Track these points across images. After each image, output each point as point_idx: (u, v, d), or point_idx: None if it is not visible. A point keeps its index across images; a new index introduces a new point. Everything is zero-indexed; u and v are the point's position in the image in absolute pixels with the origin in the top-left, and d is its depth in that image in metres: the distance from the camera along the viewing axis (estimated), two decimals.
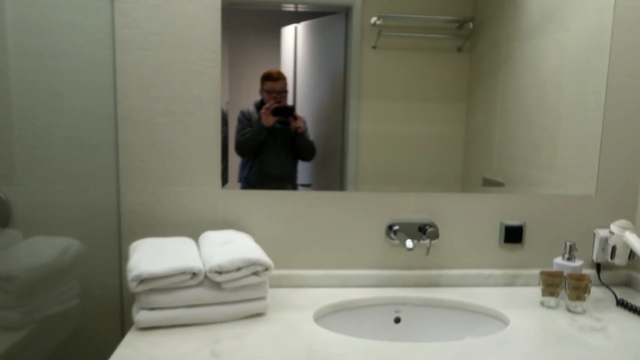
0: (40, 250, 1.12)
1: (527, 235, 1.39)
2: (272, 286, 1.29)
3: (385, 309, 1.29)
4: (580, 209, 1.40)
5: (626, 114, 1.37)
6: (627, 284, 1.42)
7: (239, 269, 1.09)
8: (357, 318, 1.26)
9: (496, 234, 1.39)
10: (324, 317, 1.20)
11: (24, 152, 1.18)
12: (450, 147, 1.38)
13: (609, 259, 1.35)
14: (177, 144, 1.28)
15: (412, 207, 1.35)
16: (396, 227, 1.34)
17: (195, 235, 1.26)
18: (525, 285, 1.39)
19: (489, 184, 1.40)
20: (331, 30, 1.33)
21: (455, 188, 1.38)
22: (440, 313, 1.28)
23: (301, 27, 1.33)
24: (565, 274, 1.24)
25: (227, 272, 1.08)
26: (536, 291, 1.34)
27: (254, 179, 1.34)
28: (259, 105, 1.32)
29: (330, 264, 1.35)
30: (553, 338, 1.07)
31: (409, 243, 1.22)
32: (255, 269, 1.11)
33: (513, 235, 1.39)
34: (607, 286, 1.38)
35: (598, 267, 1.40)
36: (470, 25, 1.35)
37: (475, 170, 1.40)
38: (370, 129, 1.35)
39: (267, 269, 1.12)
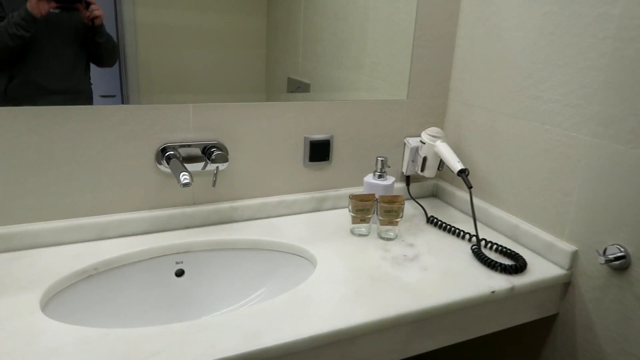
0: None
1: (334, 150, 1.17)
2: None
3: (163, 262, 0.96)
4: (391, 117, 1.21)
5: (440, 5, 1.17)
6: (434, 194, 1.33)
7: None
8: (120, 283, 0.92)
9: (299, 152, 1.13)
10: (62, 295, 0.83)
11: None
12: (251, 44, 1.03)
13: (419, 171, 1.21)
14: None
15: (191, 123, 1.00)
16: (170, 152, 0.98)
17: None
18: (333, 208, 1.19)
19: (294, 85, 1.10)
20: None
21: (258, 91, 1.05)
22: (235, 257, 1.01)
23: None
24: (377, 196, 1.05)
25: None
26: (345, 215, 1.15)
27: (19, 95, 0.83)
28: None
29: (77, 210, 0.95)
30: (366, 282, 0.88)
31: (184, 177, 0.88)
32: None
33: (319, 151, 1.14)
34: (416, 200, 1.26)
35: (407, 180, 1.26)
36: None
37: (279, 71, 1.08)
38: (151, 17, 0.92)
39: None
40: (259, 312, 0.77)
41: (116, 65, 0.92)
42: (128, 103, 0.94)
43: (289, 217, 1.13)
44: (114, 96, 0.93)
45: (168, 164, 0.97)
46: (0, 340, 0.67)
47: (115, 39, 0.91)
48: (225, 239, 1.01)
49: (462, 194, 1.23)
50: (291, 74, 1.11)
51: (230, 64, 1.01)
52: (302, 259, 0.99)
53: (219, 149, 1.01)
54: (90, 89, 0.91)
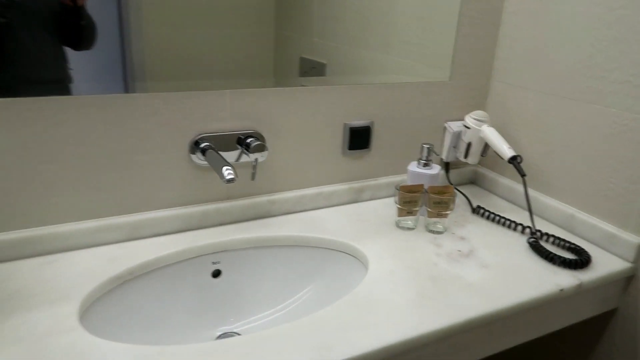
0: None
1: (374, 137, 1.09)
2: (5, 260, 0.78)
3: (198, 263, 0.89)
4: (432, 100, 1.13)
5: None
6: (473, 181, 1.26)
7: None
8: (156, 288, 0.84)
9: (338, 140, 1.05)
10: (99, 304, 0.76)
11: None
12: (258, 21, 0.93)
13: (462, 158, 1.14)
14: None
15: (226, 111, 0.91)
16: (205, 144, 0.90)
17: None
18: (372, 198, 1.12)
19: (308, 65, 1.01)
20: None
21: (266, 73, 0.96)
22: (275, 255, 0.94)
23: None
24: (425, 187, 0.98)
25: None
26: (386, 205, 1.08)
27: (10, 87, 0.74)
28: None
29: (106, 209, 0.87)
30: (427, 283, 0.81)
31: (228, 172, 0.80)
32: None
33: (359, 139, 1.07)
34: (458, 189, 1.19)
35: (447, 167, 1.19)
36: None
37: (291, 50, 0.99)
38: None
39: None
40: (322, 320, 0.70)
41: (117, 50, 0.81)
42: (133, 90, 0.84)
43: (328, 209, 1.06)
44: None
45: (204, 156, 0.89)
46: None
47: (117, 19, 0.81)
48: (264, 235, 0.93)
49: (506, 182, 1.16)
50: (304, 54, 1.03)
51: (236, 44, 0.92)
52: (349, 256, 0.92)
53: (256, 138, 0.93)
54: (70, 78, 0.80)
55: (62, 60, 0.78)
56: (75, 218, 0.85)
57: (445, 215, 0.98)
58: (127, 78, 0.83)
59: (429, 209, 0.97)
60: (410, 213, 0.98)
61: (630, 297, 0.94)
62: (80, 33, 0.79)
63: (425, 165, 1.02)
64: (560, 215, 1.03)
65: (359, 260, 0.90)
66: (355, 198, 1.10)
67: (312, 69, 1.02)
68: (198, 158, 0.91)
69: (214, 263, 0.91)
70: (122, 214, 0.89)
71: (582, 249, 0.92)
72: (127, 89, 0.83)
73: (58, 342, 0.64)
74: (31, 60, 0.76)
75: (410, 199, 0.97)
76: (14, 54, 0.74)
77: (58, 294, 0.73)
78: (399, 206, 0.98)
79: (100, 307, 0.75)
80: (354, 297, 0.76)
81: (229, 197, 0.97)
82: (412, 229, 0.99)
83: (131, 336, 0.77)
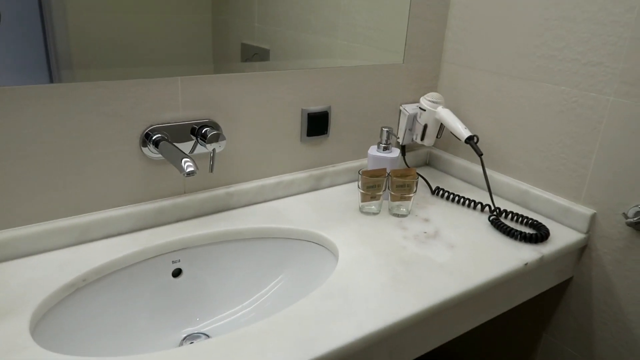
0: None
1: (332, 122, 1.07)
2: None
3: (157, 263, 0.84)
4: (387, 83, 1.12)
5: None
6: (428, 163, 1.27)
7: None
8: (113, 294, 0.78)
9: (296, 126, 1.02)
10: (51, 316, 0.69)
11: None
12: (195, 6, 0.88)
13: (418, 140, 1.15)
14: None
15: (178, 99, 0.86)
16: (157, 135, 0.84)
17: None
18: (332, 185, 1.10)
19: (250, 51, 0.97)
20: None
21: (205, 60, 0.90)
22: (240, 249, 0.90)
23: None
24: (388, 170, 0.98)
25: None
26: (347, 192, 1.06)
27: None
28: None
29: (52, 211, 0.79)
30: (399, 267, 0.80)
31: (187, 165, 0.75)
32: None
33: (316, 124, 1.04)
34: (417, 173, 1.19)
35: (403, 150, 1.20)
36: None
37: (230, 36, 0.94)
38: None
39: None
40: (299, 314, 0.68)
41: (38, 35, 0.73)
42: (59, 80, 0.76)
43: (289, 198, 1.02)
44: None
45: (157, 148, 0.83)
46: None
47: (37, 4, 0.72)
48: (225, 229, 0.89)
49: (461, 162, 1.18)
50: (245, 40, 0.99)
51: (171, 30, 0.86)
52: (317, 245, 0.90)
53: (212, 127, 0.88)
54: None
55: None
56: (18, 223, 0.77)
57: (408, 198, 0.97)
58: (52, 67, 0.75)
59: (392, 193, 0.97)
60: (373, 198, 0.97)
61: (584, 266, 0.98)
62: None
63: (385, 149, 1.02)
64: (514, 192, 1.06)
65: (326, 248, 0.88)
66: (316, 185, 1.07)
67: (254, 55, 0.98)
68: (150, 151, 0.85)
69: (173, 262, 0.85)
70: (70, 216, 0.81)
71: (541, 224, 0.95)
72: (52, 79, 0.75)
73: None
74: None
75: (374, 184, 0.96)
76: None
77: (5, 308, 0.65)
78: (362, 191, 0.97)
79: (53, 319, 0.68)
80: (328, 287, 0.74)
81: (185, 191, 0.92)
82: (377, 213, 0.99)
83: (90, 348, 0.71)
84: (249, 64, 0.94)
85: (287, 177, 1.03)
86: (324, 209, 0.99)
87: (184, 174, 0.74)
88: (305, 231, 0.90)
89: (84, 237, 0.82)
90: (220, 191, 0.94)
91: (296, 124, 1.01)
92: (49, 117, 0.74)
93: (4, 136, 0.72)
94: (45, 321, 0.67)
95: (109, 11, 0.77)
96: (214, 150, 0.88)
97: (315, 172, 1.06)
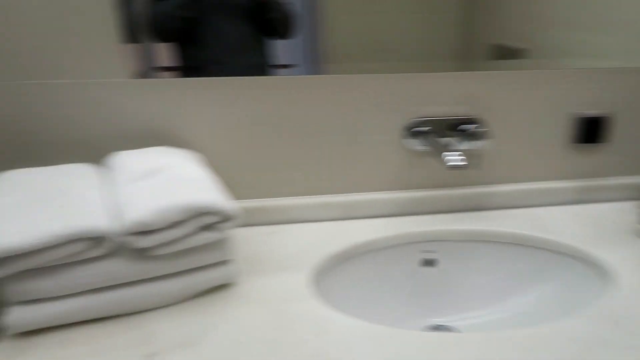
0: None
1: (610, 130, 0.94)
2: (238, 225, 0.84)
3: (410, 250, 0.87)
4: None
5: None
6: None
7: (174, 224, 0.62)
8: (369, 269, 0.84)
9: (563, 131, 0.93)
10: (322, 278, 0.77)
11: None
12: (444, 5, 0.85)
13: None
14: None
15: (445, 94, 0.87)
16: (421, 128, 0.87)
17: (97, 158, 0.77)
18: (602, 200, 0.97)
19: (505, 50, 0.89)
20: None
21: (465, 57, 0.87)
22: (493, 252, 0.87)
23: None
24: None
25: (156, 231, 0.61)
26: (620, 209, 0.93)
27: (202, 73, 0.80)
28: None
29: (325, 186, 0.90)
30: None
31: (453, 158, 0.76)
32: (205, 220, 0.64)
33: (590, 131, 0.93)
34: None
35: None
36: None
37: (483, 36, 0.88)
38: None
39: (226, 219, 0.65)
40: (568, 332, 0.62)
41: (311, 36, 0.81)
42: (318, 73, 0.83)
43: (550, 208, 0.95)
44: (294, 66, 0.83)
45: (420, 140, 0.86)
46: (289, 325, 0.63)
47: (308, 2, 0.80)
48: (481, 229, 0.87)
49: None
50: (499, 39, 0.90)
51: (420, 29, 0.84)
52: (581, 263, 0.81)
53: (478, 125, 0.86)
54: (266, 62, 0.82)
55: (259, 46, 0.81)
56: (297, 193, 0.89)
57: None
58: (325, 61, 0.83)
59: None
60: None
61: None
62: (272, 25, 0.81)
63: None
64: None
65: (593, 268, 0.79)
66: (583, 198, 0.97)
67: (509, 54, 0.91)
68: (414, 142, 0.88)
69: (426, 252, 0.88)
70: (337, 193, 0.90)
71: None
72: (326, 71, 0.83)
73: (294, 309, 0.66)
74: (226, 47, 0.80)
75: None
76: (209, 41, 0.79)
77: (288, 264, 0.76)
78: None
79: (326, 281, 0.77)
80: (599, 310, 0.66)
81: (444, 185, 0.93)
82: None
83: (349, 312, 0.77)
84: (508, 62, 0.89)
85: (550, 185, 0.95)
86: (593, 224, 0.88)
87: (447, 167, 0.75)
88: (570, 245, 0.82)
89: (348, 214, 0.90)
90: (480, 190, 0.93)
91: (563, 129, 0.93)
92: (326, 104, 0.83)
93: (299, 116, 0.83)
94: (318, 281, 0.76)
95: (369, 12, 0.82)
96: (478, 147, 0.86)
97: (584, 183, 0.96)
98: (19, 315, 0.60)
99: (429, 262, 0.87)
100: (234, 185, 0.83)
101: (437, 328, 0.83)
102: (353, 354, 0.58)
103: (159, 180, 0.67)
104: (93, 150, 0.78)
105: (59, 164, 0.73)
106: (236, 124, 0.82)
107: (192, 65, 0.79)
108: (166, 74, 0.79)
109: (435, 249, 0.86)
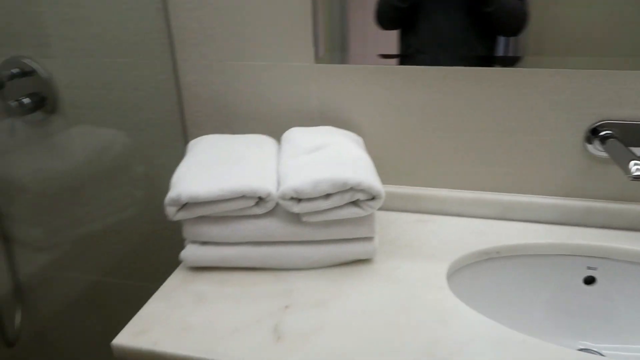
0: (76, 148, 0.84)
1: None
2: (388, 209, 0.88)
3: (570, 262, 0.80)
4: None
5: None
6: None
7: (327, 195, 0.68)
8: (518, 274, 0.80)
9: None
10: (463, 272, 0.76)
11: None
12: None
13: None
14: None
15: (633, 95, 0.77)
16: (606, 132, 0.78)
17: (277, 131, 0.87)
18: None
19: None
20: None
21: None
22: None
23: None
24: None
25: (309, 199, 0.68)
26: None
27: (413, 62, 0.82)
28: None
29: (482, 183, 0.87)
30: None
31: (636, 167, 0.67)
32: (354, 196, 0.69)
33: None
34: None
35: None
36: None
37: None
38: None
39: (373, 197, 0.69)
40: None
41: None
42: (522, 65, 0.77)
43: None
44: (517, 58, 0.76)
45: (602, 145, 0.78)
46: (415, 308, 0.65)
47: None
48: None
49: None
50: None
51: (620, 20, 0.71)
52: None
53: None
54: (493, 52, 0.77)
55: (476, 40, 0.79)
56: (452, 186, 0.88)
57: None
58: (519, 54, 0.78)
59: None
60: None
61: None
62: (491, 19, 0.77)
63: None
64: None
65: None
66: None
67: None
68: (595, 147, 0.80)
69: (589, 268, 0.80)
70: (495, 191, 0.87)
71: None
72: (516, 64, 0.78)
73: (426, 295, 0.67)
74: (438, 37, 0.79)
75: None
76: (424, 34, 0.79)
77: (429, 252, 0.77)
78: None
79: (464, 276, 0.76)
80: None
81: (623, 198, 0.82)
82: None
83: (486, 313, 0.75)
84: None
85: None
86: None
87: (630, 177, 0.67)
88: None
89: (504, 214, 0.86)
90: None
91: None
92: (504, 97, 0.80)
93: (467, 109, 0.82)
94: (459, 275, 0.76)
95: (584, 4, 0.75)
96: None
97: None
98: (193, 252, 0.72)
99: (588, 280, 0.79)
100: (389, 170, 0.86)
101: (583, 350, 0.75)
102: (473, 351, 0.58)
103: (320, 156, 0.73)
104: (274, 124, 0.89)
105: (247, 133, 0.86)
106: (404, 111, 0.85)
107: (405, 54, 0.82)
108: (385, 60, 0.82)
109: (596, 266, 0.78)
